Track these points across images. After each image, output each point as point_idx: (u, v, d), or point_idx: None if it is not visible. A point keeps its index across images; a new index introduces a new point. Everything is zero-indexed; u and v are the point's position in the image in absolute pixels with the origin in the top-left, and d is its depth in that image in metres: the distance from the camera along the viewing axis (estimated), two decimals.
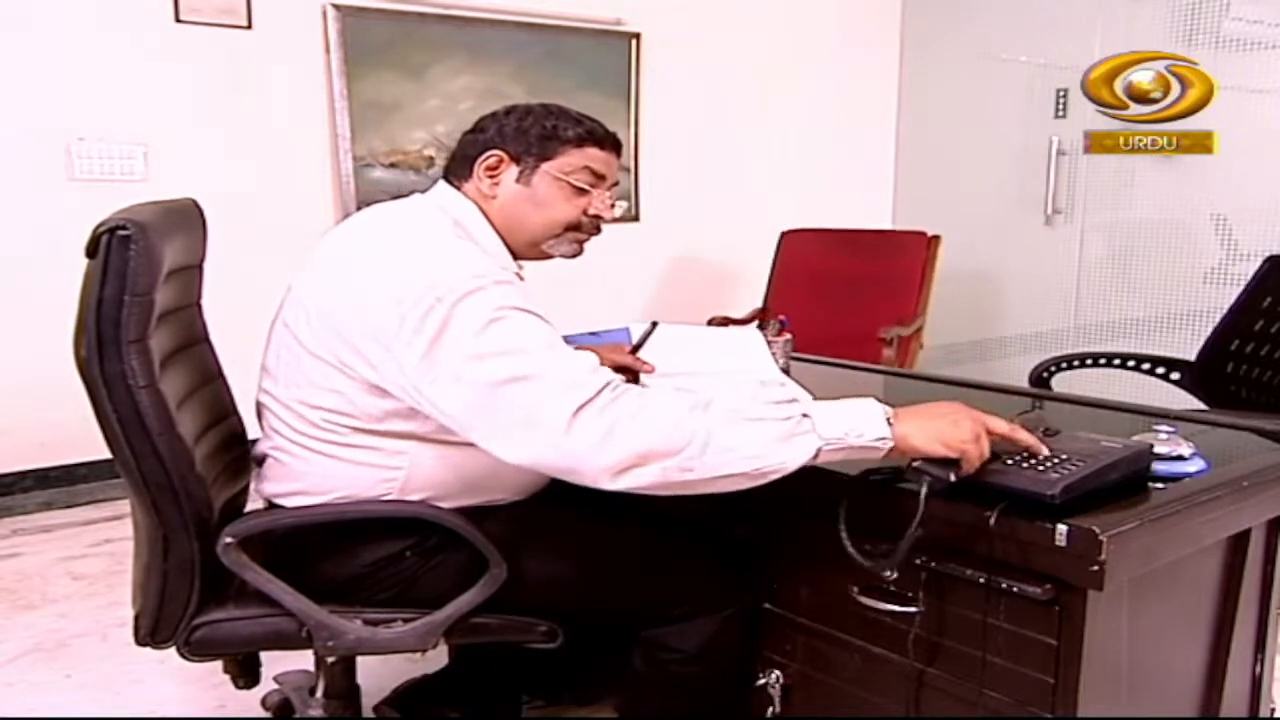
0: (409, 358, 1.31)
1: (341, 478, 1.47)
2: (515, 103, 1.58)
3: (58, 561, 2.96)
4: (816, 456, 1.25)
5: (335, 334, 1.39)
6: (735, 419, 1.24)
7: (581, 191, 1.53)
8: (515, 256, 1.56)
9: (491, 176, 1.51)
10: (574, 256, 1.59)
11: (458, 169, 1.55)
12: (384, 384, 1.38)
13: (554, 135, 1.51)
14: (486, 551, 1.45)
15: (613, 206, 1.58)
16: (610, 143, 1.56)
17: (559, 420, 1.23)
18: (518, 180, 1.51)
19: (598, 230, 1.58)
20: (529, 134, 1.50)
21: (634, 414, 1.24)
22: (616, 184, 1.60)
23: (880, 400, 1.30)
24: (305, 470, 1.49)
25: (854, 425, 1.25)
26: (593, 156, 1.53)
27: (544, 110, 1.53)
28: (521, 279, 1.57)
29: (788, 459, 1.25)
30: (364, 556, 1.49)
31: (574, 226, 1.54)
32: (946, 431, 1.24)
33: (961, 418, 1.26)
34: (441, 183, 1.57)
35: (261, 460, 1.57)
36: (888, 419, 1.26)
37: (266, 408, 1.53)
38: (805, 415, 1.26)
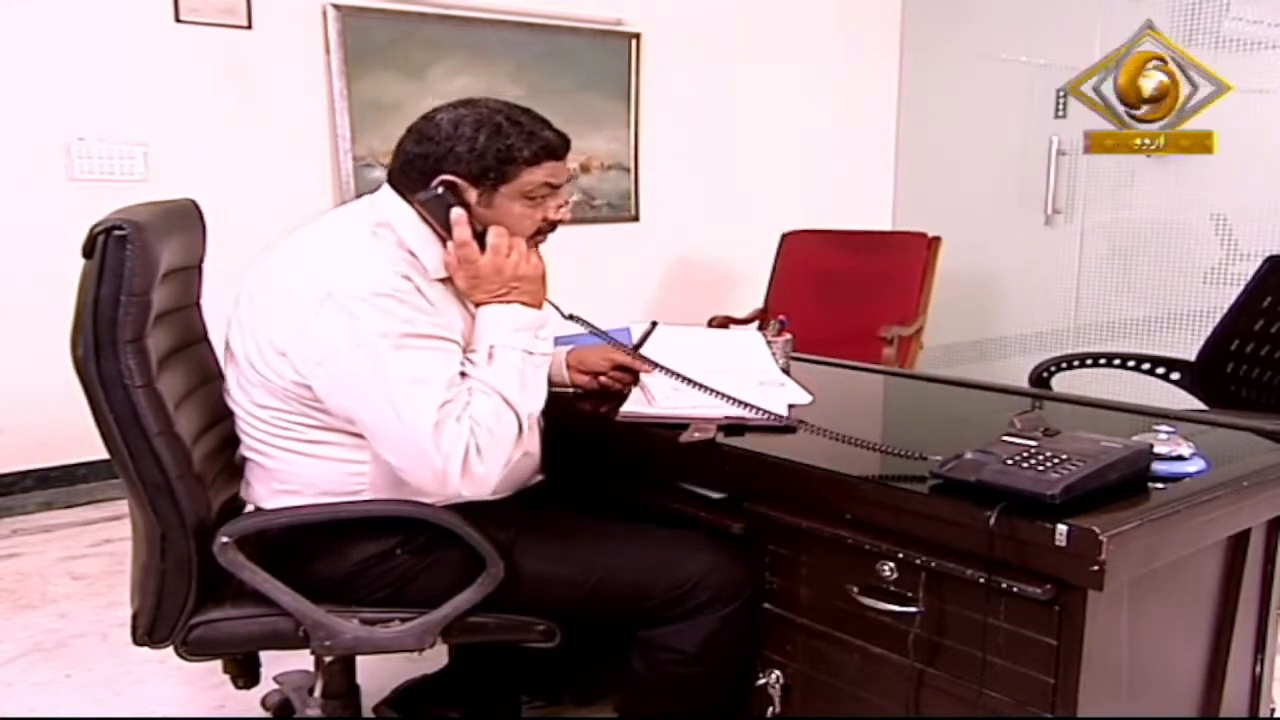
0: (303, 362, 1.40)
1: (312, 474, 1.49)
2: (458, 103, 1.53)
3: (58, 561, 2.95)
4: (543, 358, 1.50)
5: (254, 343, 1.45)
6: (501, 392, 1.42)
7: (540, 203, 1.53)
8: None
9: (454, 196, 1.49)
10: None
11: (408, 182, 1.50)
12: (298, 389, 1.43)
13: (511, 158, 1.47)
14: (483, 550, 1.45)
15: (566, 204, 1.57)
16: (563, 149, 1.54)
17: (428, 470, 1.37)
18: (478, 203, 1.49)
19: (554, 230, 1.58)
20: (485, 158, 1.46)
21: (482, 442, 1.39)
22: (568, 180, 1.60)
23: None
24: (280, 470, 1.51)
25: (527, 327, 1.48)
26: (549, 170, 1.51)
27: (494, 127, 1.47)
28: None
29: (544, 385, 1.52)
30: (353, 555, 1.49)
31: (534, 234, 1.54)
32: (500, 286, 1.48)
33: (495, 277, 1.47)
34: (386, 188, 1.53)
35: (242, 465, 1.58)
36: (512, 304, 1.48)
37: (234, 414, 1.55)
38: (512, 349, 1.45)
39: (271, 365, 1.43)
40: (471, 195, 1.48)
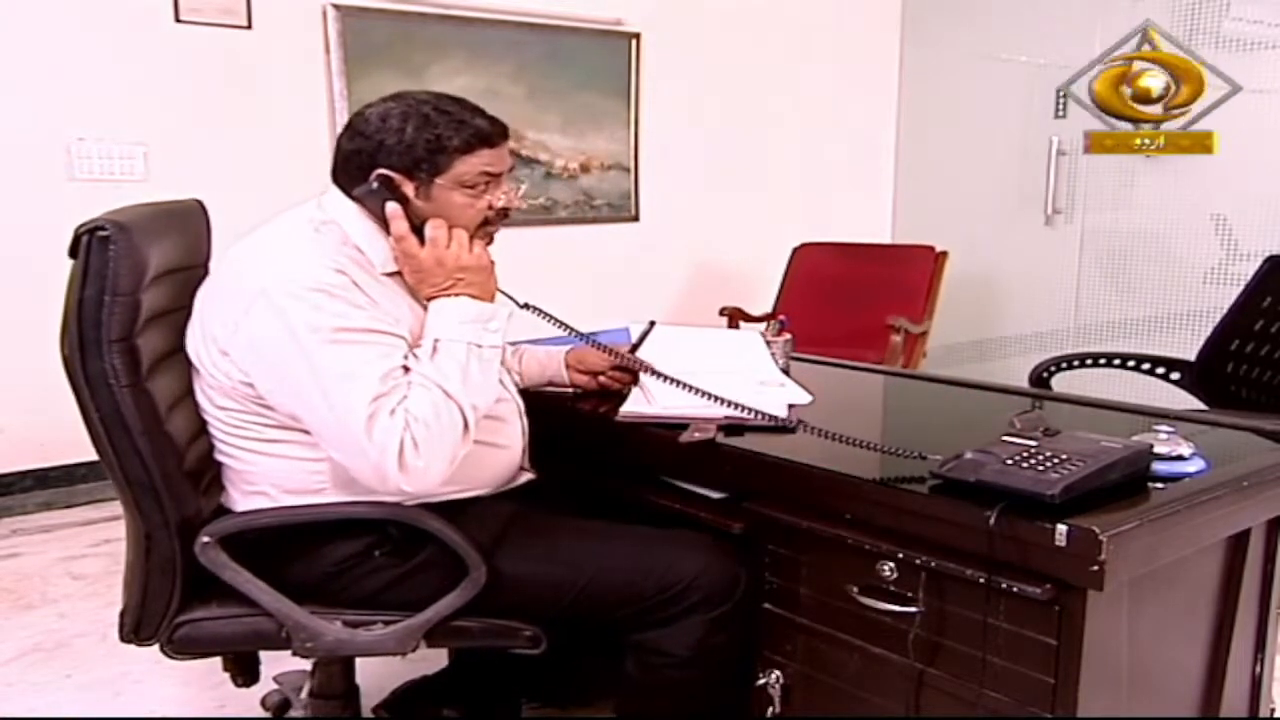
0: (242, 360, 1.41)
1: (275, 473, 1.49)
2: (388, 97, 1.51)
3: (58, 561, 2.95)
4: (492, 350, 1.47)
5: (203, 344, 1.46)
6: (441, 386, 1.40)
7: (482, 192, 1.51)
8: None
9: (391, 190, 1.48)
10: (489, 245, 1.56)
11: (348, 179, 1.50)
12: (244, 388, 1.44)
13: (440, 148, 1.46)
14: (464, 553, 1.44)
15: (516, 191, 1.55)
16: (498, 136, 1.51)
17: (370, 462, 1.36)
18: (416, 196, 1.48)
19: (506, 217, 1.56)
20: (415, 150, 1.45)
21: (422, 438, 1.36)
22: (513, 168, 1.58)
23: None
24: (245, 470, 1.51)
25: (474, 319, 1.45)
26: (485, 158, 1.48)
27: (422, 118, 1.46)
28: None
29: (494, 378, 1.49)
30: (329, 556, 1.48)
31: (483, 223, 1.53)
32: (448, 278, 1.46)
33: (440, 271, 1.46)
34: (333, 187, 1.53)
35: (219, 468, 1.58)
36: (465, 298, 1.46)
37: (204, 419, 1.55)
38: (459, 343, 1.44)
39: (219, 366, 1.44)
40: (409, 188, 1.47)
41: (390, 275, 1.50)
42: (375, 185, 1.46)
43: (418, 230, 1.46)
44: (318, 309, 1.37)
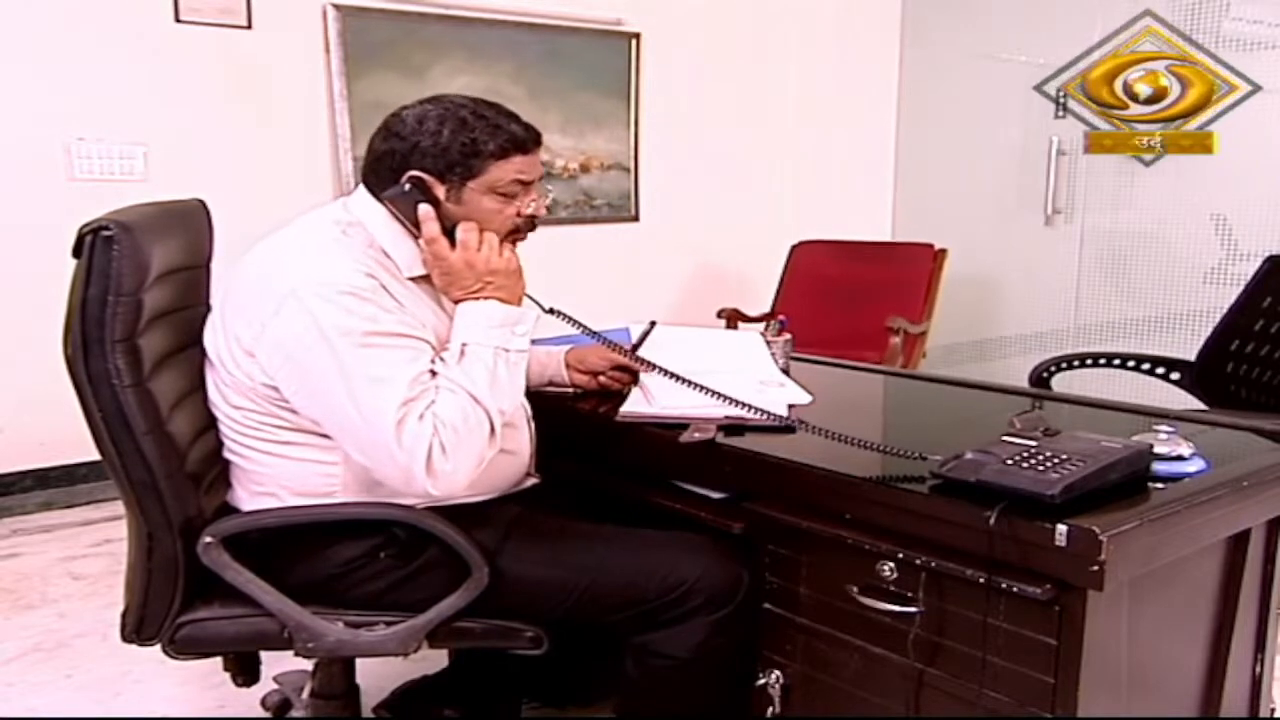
0: (269, 362, 1.40)
1: (285, 475, 1.49)
2: (425, 100, 1.52)
3: (58, 561, 2.96)
4: (519, 355, 1.47)
5: (225, 344, 1.45)
6: (469, 390, 1.39)
7: (512, 198, 1.51)
8: None
9: (423, 192, 1.48)
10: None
11: (378, 180, 1.50)
12: (267, 390, 1.43)
13: (475, 152, 1.46)
14: (467, 555, 1.44)
15: (545, 199, 1.56)
16: (532, 143, 1.51)
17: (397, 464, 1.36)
18: (447, 199, 1.47)
19: (534, 227, 1.56)
20: (450, 152, 1.45)
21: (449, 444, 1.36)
22: (542, 177, 1.57)
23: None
24: (255, 471, 1.51)
25: (501, 323, 1.45)
26: (518, 164, 1.49)
27: (459, 121, 1.47)
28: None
29: (520, 382, 1.48)
30: (335, 557, 1.48)
31: (511, 230, 1.53)
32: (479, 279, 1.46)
33: (470, 273, 1.46)
34: (360, 188, 1.53)
35: (226, 467, 1.58)
36: (494, 301, 1.46)
37: (215, 417, 1.54)
38: (488, 347, 1.43)
39: (242, 366, 1.44)
40: (440, 191, 1.47)
41: (414, 279, 1.50)
42: (408, 187, 1.46)
43: (448, 233, 1.46)
44: (348, 312, 1.36)
